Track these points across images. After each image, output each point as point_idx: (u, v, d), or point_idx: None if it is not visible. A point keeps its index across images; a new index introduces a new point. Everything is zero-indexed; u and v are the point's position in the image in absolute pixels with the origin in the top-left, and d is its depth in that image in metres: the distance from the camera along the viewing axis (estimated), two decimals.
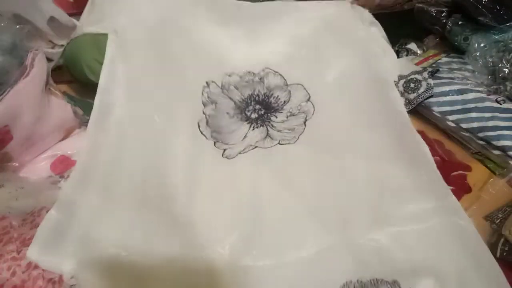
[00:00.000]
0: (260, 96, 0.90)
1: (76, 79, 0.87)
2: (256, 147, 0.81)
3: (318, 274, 0.61)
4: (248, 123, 0.87)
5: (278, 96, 0.91)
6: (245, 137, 0.84)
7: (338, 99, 0.91)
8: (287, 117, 0.89)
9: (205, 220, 0.65)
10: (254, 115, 0.88)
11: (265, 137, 0.84)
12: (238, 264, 0.61)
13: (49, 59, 0.78)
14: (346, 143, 0.84)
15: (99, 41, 0.80)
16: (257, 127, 0.86)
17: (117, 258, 0.58)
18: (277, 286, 0.60)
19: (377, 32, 1.03)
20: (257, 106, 0.89)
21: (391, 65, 0.97)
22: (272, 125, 0.87)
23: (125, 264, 0.58)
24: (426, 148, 0.79)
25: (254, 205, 0.70)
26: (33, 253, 0.56)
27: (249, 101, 0.90)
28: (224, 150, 0.80)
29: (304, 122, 0.88)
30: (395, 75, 0.95)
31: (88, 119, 0.75)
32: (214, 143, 0.81)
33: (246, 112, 0.88)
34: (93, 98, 0.76)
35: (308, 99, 0.92)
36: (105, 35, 0.81)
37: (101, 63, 0.79)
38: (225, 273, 0.59)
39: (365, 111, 0.89)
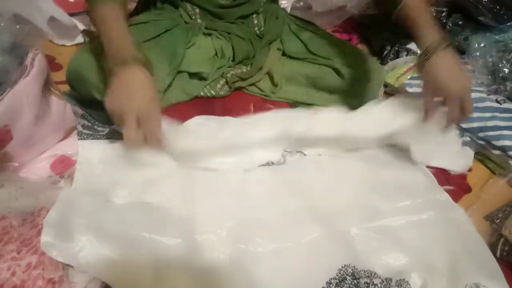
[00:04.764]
0: None
1: (79, 94, 0.81)
2: None
3: (317, 258, 0.63)
4: None
5: None
6: None
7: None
8: None
9: (203, 210, 0.66)
10: None
11: None
12: (237, 246, 0.62)
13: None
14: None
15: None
16: None
17: (127, 233, 0.60)
18: (278, 267, 0.61)
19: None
20: None
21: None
22: None
23: (135, 238, 0.60)
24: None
25: (250, 196, 0.71)
26: (47, 237, 0.57)
27: None
28: None
29: None
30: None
31: None
32: None
33: None
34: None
35: None
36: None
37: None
38: (225, 255, 0.61)
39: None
